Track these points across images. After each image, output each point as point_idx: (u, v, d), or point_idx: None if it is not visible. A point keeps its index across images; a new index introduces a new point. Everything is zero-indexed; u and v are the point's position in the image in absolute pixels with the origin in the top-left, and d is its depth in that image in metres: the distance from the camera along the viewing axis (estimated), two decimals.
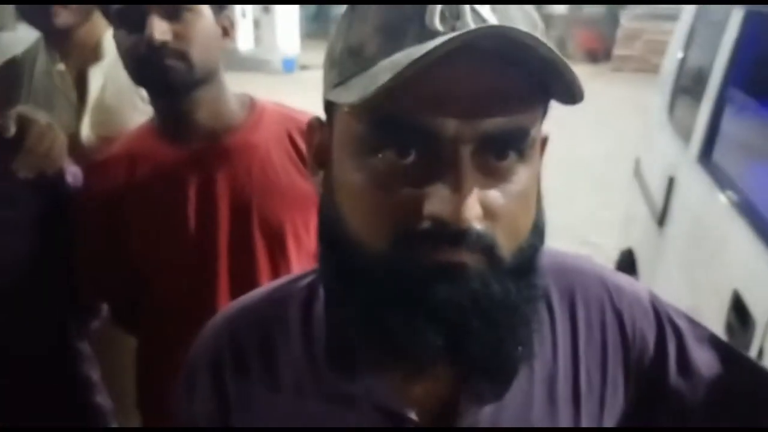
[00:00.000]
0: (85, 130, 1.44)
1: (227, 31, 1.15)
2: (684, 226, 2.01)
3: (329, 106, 0.56)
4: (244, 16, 10.97)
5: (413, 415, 0.59)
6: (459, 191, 0.47)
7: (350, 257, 0.52)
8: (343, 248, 0.53)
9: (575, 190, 5.03)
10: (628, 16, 11.76)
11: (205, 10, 1.09)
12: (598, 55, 12.32)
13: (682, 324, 0.68)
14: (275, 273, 1.17)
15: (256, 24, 11.33)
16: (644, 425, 0.67)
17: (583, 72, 8.91)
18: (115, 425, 1.42)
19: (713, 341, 0.68)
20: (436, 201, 0.47)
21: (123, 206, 1.18)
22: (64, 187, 1.23)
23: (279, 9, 11.21)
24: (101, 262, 1.23)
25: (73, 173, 1.25)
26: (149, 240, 1.18)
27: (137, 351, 1.30)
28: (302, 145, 1.18)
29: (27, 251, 1.19)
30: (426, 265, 0.48)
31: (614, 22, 12.11)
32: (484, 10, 0.47)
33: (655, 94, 2.91)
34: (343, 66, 0.51)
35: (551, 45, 0.45)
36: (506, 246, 0.50)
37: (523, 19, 0.50)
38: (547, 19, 11.44)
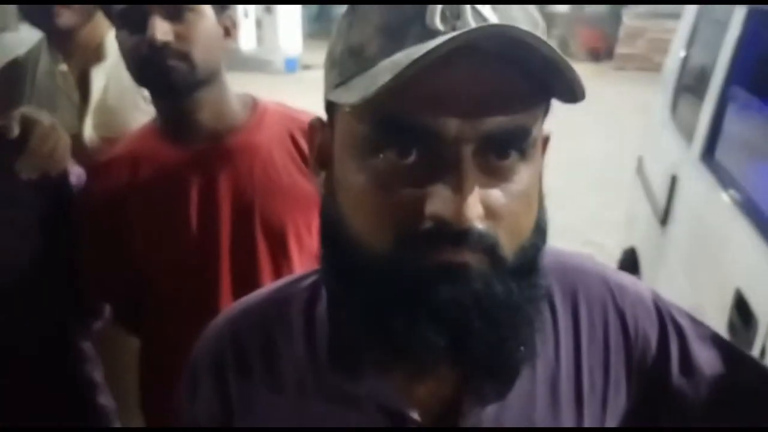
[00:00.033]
0: (88, 131, 1.44)
1: (229, 32, 1.15)
2: (687, 225, 2.00)
3: (330, 106, 0.56)
4: (246, 16, 10.95)
5: (416, 416, 0.59)
6: (460, 191, 0.47)
7: (352, 257, 0.52)
8: (345, 248, 0.53)
9: (577, 189, 5.01)
10: (631, 14, 11.72)
11: (207, 10, 1.09)
12: (601, 53, 12.29)
13: (685, 323, 0.67)
14: (277, 273, 1.17)
15: (259, 24, 11.32)
16: (647, 424, 0.67)
17: (585, 70, 8.93)
18: (118, 425, 1.42)
19: (716, 340, 0.68)
20: (438, 201, 0.47)
21: (126, 207, 1.18)
22: (67, 188, 1.23)
23: (281, 9, 11.20)
24: (104, 263, 1.24)
25: (76, 174, 1.25)
26: (152, 240, 1.18)
27: (140, 351, 1.31)
28: (304, 146, 1.19)
29: (30, 252, 1.20)
30: (428, 266, 0.48)
31: (617, 20, 12.07)
32: (485, 9, 0.47)
33: (658, 92, 2.90)
34: (344, 66, 0.51)
35: (553, 44, 0.45)
36: (508, 246, 0.50)
37: (524, 18, 0.50)
38: (550, 18, 11.42)
